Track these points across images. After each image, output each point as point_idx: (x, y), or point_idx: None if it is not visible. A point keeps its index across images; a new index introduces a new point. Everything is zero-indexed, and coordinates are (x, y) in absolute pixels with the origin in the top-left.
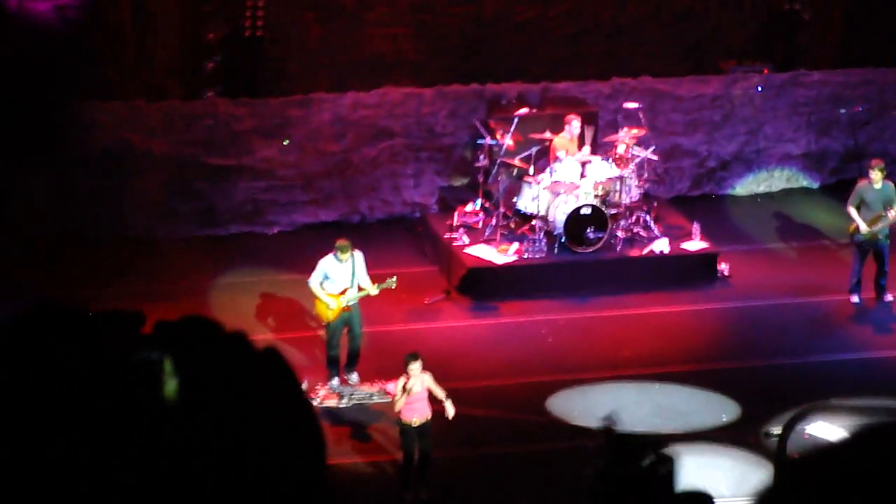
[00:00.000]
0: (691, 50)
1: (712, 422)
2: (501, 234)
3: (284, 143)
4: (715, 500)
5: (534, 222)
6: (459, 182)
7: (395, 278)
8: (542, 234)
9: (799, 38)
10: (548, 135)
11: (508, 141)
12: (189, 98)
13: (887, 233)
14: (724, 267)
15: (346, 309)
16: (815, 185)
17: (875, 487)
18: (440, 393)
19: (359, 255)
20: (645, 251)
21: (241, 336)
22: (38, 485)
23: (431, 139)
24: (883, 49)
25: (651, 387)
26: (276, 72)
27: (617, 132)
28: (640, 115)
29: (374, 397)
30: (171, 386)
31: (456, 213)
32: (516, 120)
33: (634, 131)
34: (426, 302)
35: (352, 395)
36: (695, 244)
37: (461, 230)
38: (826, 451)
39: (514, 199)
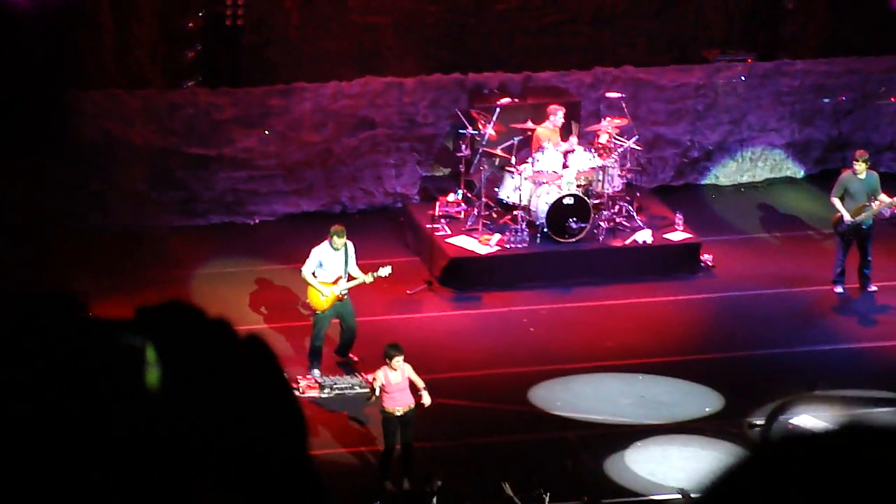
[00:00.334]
0: (674, 39)
1: (696, 413)
2: (483, 225)
3: (266, 133)
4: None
5: (516, 212)
6: (441, 172)
7: (389, 267)
8: (524, 224)
9: (782, 28)
10: (530, 125)
11: (490, 131)
12: (169, 87)
13: (871, 223)
14: (707, 257)
15: (340, 298)
16: (799, 175)
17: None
18: (420, 382)
19: (350, 244)
20: (628, 241)
21: (223, 322)
22: (16, 474)
23: (413, 129)
24: (867, 38)
25: (634, 378)
26: (256, 61)
27: (599, 122)
28: (623, 105)
29: (356, 388)
30: (153, 373)
31: (438, 204)
32: (498, 110)
33: (617, 121)
34: (408, 292)
35: (333, 385)
36: (678, 234)
37: (443, 220)
38: (800, 440)
39: (496, 189)
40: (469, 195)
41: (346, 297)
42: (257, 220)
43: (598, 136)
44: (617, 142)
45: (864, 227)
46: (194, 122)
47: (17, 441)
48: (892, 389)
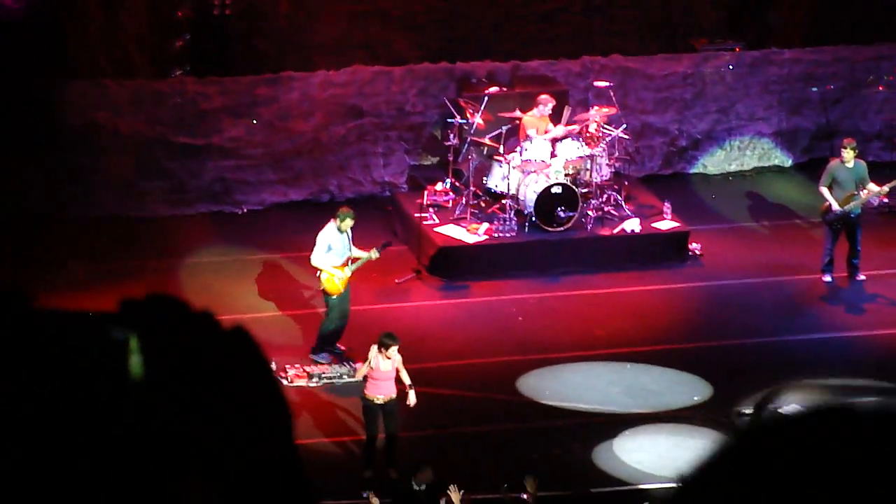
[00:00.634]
0: (662, 28)
1: (684, 402)
2: (472, 214)
3: (253, 123)
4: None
5: (504, 201)
6: (429, 161)
7: (388, 242)
8: (512, 213)
9: (770, 16)
10: (518, 113)
11: (478, 120)
12: (157, 76)
13: (859, 212)
14: (695, 246)
15: (350, 279)
16: (787, 164)
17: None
18: (406, 378)
19: None
20: (616, 230)
21: (207, 314)
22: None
23: (401, 118)
24: (854, 27)
25: (622, 366)
26: (244, 50)
27: (587, 111)
28: (611, 94)
29: (345, 377)
30: (136, 364)
31: (426, 193)
32: (486, 98)
33: (605, 110)
34: (396, 281)
35: (321, 374)
36: (666, 223)
37: (431, 209)
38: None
39: (485, 179)
40: (457, 184)
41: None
42: (245, 210)
43: (587, 125)
44: (605, 131)
45: (852, 216)
46: (182, 111)
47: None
48: (880, 378)
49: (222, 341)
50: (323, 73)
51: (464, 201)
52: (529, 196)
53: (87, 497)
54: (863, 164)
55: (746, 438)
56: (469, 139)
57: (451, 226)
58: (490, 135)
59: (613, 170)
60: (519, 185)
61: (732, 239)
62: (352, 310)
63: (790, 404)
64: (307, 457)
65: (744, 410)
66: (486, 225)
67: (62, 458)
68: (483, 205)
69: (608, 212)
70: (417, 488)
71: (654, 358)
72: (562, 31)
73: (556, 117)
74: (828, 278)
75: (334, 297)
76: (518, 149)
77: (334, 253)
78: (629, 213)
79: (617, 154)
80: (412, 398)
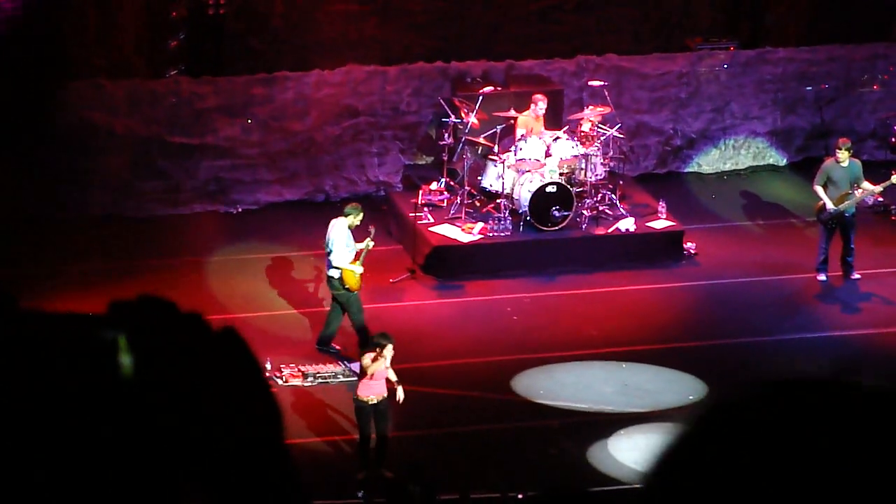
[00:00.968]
0: (657, 27)
1: (679, 401)
2: (466, 213)
3: (248, 122)
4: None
5: (499, 201)
6: (424, 160)
7: (372, 228)
8: (507, 212)
9: (765, 16)
10: (512, 113)
11: (473, 119)
12: (152, 76)
13: (854, 211)
14: (690, 245)
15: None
16: (782, 163)
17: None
18: (393, 375)
19: None
20: (611, 229)
21: (197, 316)
22: None
23: (396, 117)
24: (849, 26)
25: (617, 366)
26: (239, 50)
27: (582, 110)
28: (606, 93)
29: (339, 377)
30: (126, 363)
31: (421, 192)
32: (481, 98)
33: (600, 109)
34: (391, 281)
35: (316, 374)
36: (661, 222)
37: (426, 209)
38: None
39: (479, 178)
40: (452, 183)
41: None
42: (240, 209)
43: (581, 125)
44: (600, 130)
45: (847, 214)
46: (177, 110)
47: None
48: (875, 377)
49: (212, 343)
50: (318, 73)
51: (458, 201)
52: (524, 195)
53: (81, 496)
54: (857, 163)
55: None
56: (464, 138)
57: (446, 225)
58: (485, 134)
59: (608, 169)
60: (514, 185)
61: (727, 238)
62: None
63: None
64: (301, 457)
65: None
66: (480, 224)
67: (53, 458)
68: (478, 204)
69: (603, 211)
70: (412, 489)
71: (649, 357)
72: (556, 31)
73: (550, 116)
74: (822, 277)
75: (353, 292)
76: (513, 148)
77: (350, 249)
78: (624, 212)
79: (612, 153)
80: (400, 394)
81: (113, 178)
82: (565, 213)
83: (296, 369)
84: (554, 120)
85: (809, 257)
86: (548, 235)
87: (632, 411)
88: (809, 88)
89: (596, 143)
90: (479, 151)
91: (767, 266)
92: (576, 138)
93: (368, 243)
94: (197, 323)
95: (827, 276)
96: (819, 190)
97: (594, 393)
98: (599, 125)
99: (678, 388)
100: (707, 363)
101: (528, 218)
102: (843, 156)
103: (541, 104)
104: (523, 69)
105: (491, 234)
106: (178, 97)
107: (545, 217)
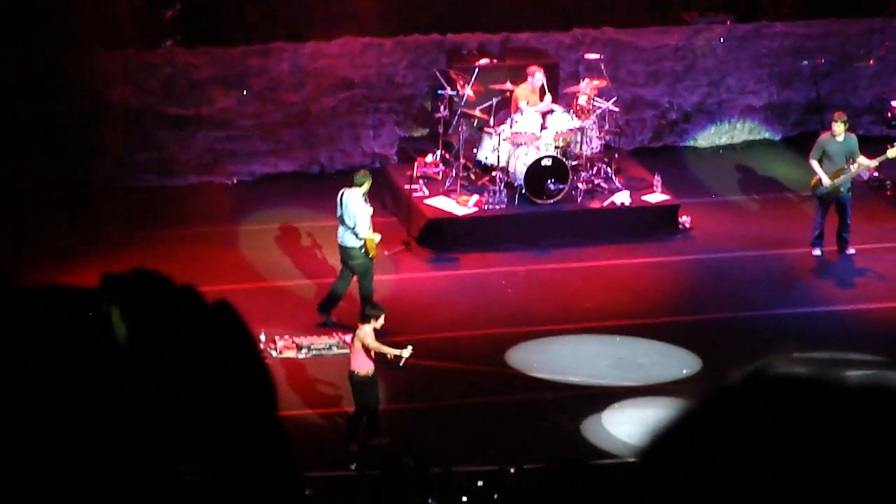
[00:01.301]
0: (654, 0)
1: (673, 375)
2: (461, 186)
3: (244, 94)
4: None
5: (494, 174)
6: (419, 133)
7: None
8: (502, 185)
9: None
10: (508, 86)
11: (469, 92)
12: (148, 47)
13: (850, 186)
14: (685, 219)
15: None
16: (778, 138)
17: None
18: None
19: None
20: (606, 203)
21: (190, 289)
22: None
23: (391, 89)
24: (845, 1)
25: (612, 339)
26: (235, 21)
27: (578, 83)
28: (602, 67)
29: (334, 349)
30: (120, 332)
31: (416, 164)
32: (477, 70)
33: (595, 82)
34: (386, 253)
35: (311, 346)
36: (656, 196)
37: (421, 181)
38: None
39: (475, 151)
40: (447, 156)
41: None
42: (235, 181)
43: (577, 98)
44: (595, 103)
45: (842, 189)
46: (172, 81)
47: None
48: (870, 352)
49: (205, 315)
50: (313, 45)
51: (454, 173)
52: (519, 168)
53: (80, 468)
54: (853, 137)
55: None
56: (459, 111)
57: (441, 198)
58: (480, 107)
59: (604, 142)
60: (509, 158)
61: (722, 212)
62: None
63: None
64: (295, 429)
65: None
66: (475, 197)
67: (47, 432)
68: (473, 177)
69: (598, 184)
70: (406, 461)
71: (644, 331)
72: (553, 4)
73: (545, 89)
74: (818, 252)
75: (371, 258)
76: (508, 121)
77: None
78: (619, 185)
79: (607, 127)
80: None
81: (108, 148)
82: (561, 187)
83: (290, 341)
84: (550, 93)
85: (804, 232)
86: (543, 208)
87: (626, 385)
88: (805, 63)
89: (592, 117)
90: (475, 124)
91: (762, 240)
92: (572, 111)
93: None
94: (190, 295)
95: (822, 251)
96: (814, 164)
97: (588, 366)
98: (595, 98)
99: (672, 361)
100: (701, 337)
101: (524, 191)
102: (839, 130)
103: (538, 75)
104: (519, 42)
105: (486, 207)
106: (174, 68)
107: (540, 190)
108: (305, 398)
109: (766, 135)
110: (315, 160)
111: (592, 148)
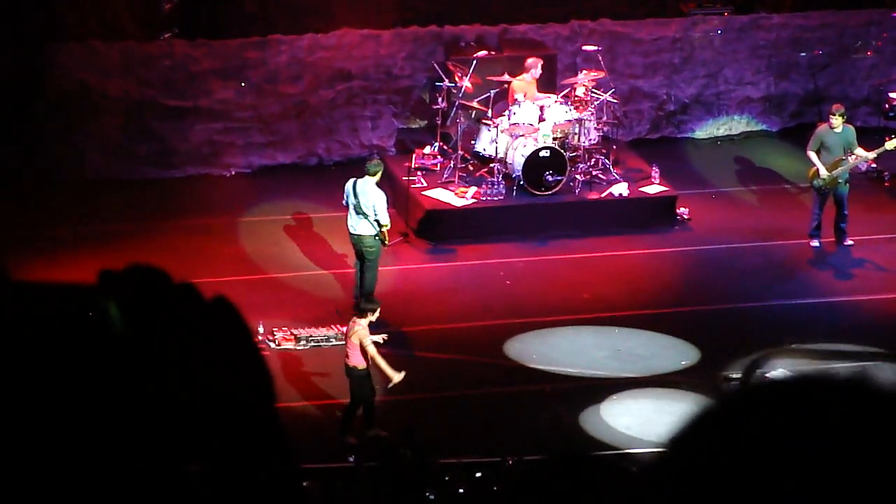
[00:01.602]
0: None
1: (671, 366)
2: (460, 177)
3: (242, 86)
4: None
5: (492, 165)
6: (417, 124)
7: None
8: (500, 176)
9: None
10: (506, 77)
11: (467, 83)
12: (146, 39)
13: (847, 177)
14: (683, 210)
15: None
16: (775, 129)
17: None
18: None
19: None
20: (604, 194)
21: (187, 284)
22: None
23: (389, 81)
24: None
25: (610, 331)
26: (234, 13)
27: (576, 75)
28: (600, 58)
29: (332, 340)
30: (117, 323)
31: (414, 156)
32: (475, 62)
33: (593, 74)
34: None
35: (309, 338)
36: (654, 187)
37: (419, 173)
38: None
39: (473, 142)
40: (445, 148)
41: None
42: (233, 172)
43: (575, 89)
44: (593, 95)
45: (840, 181)
46: (171, 73)
47: None
48: (868, 343)
49: (201, 310)
50: (311, 37)
51: (452, 165)
52: (517, 160)
53: (78, 463)
54: (851, 129)
55: (728, 403)
56: (457, 102)
57: (439, 189)
58: (478, 98)
59: (602, 134)
60: (507, 149)
61: (720, 204)
62: (340, 273)
63: (778, 369)
64: (292, 421)
65: (731, 375)
66: (473, 188)
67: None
68: (471, 168)
69: (596, 176)
70: (404, 453)
71: (642, 322)
72: None
73: (543, 81)
74: (815, 243)
75: (384, 246)
76: (506, 112)
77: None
78: (617, 177)
79: (605, 118)
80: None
81: (106, 140)
82: (558, 178)
83: (288, 333)
84: (548, 85)
85: (802, 223)
86: (541, 200)
87: (624, 376)
88: (803, 54)
89: (590, 108)
90: (473, 115)
91: (760, 232)
92: (570, 103)
93: None
94: (187, 290)
95: (820, 242)
96: (812, 155)
97: (587, 358)
98: (593, 90)
99: (670, 353)
100: (699, 328)
101: (522, 182)
102: (837, 122)
103: (537, 67)
104: (517, 33)
105: (484, 199)
106: (172, 60)
107: (538, 181)
108: (304, 390)
109: (764, 126)
110: (313, 152)
111: (590, 139)
